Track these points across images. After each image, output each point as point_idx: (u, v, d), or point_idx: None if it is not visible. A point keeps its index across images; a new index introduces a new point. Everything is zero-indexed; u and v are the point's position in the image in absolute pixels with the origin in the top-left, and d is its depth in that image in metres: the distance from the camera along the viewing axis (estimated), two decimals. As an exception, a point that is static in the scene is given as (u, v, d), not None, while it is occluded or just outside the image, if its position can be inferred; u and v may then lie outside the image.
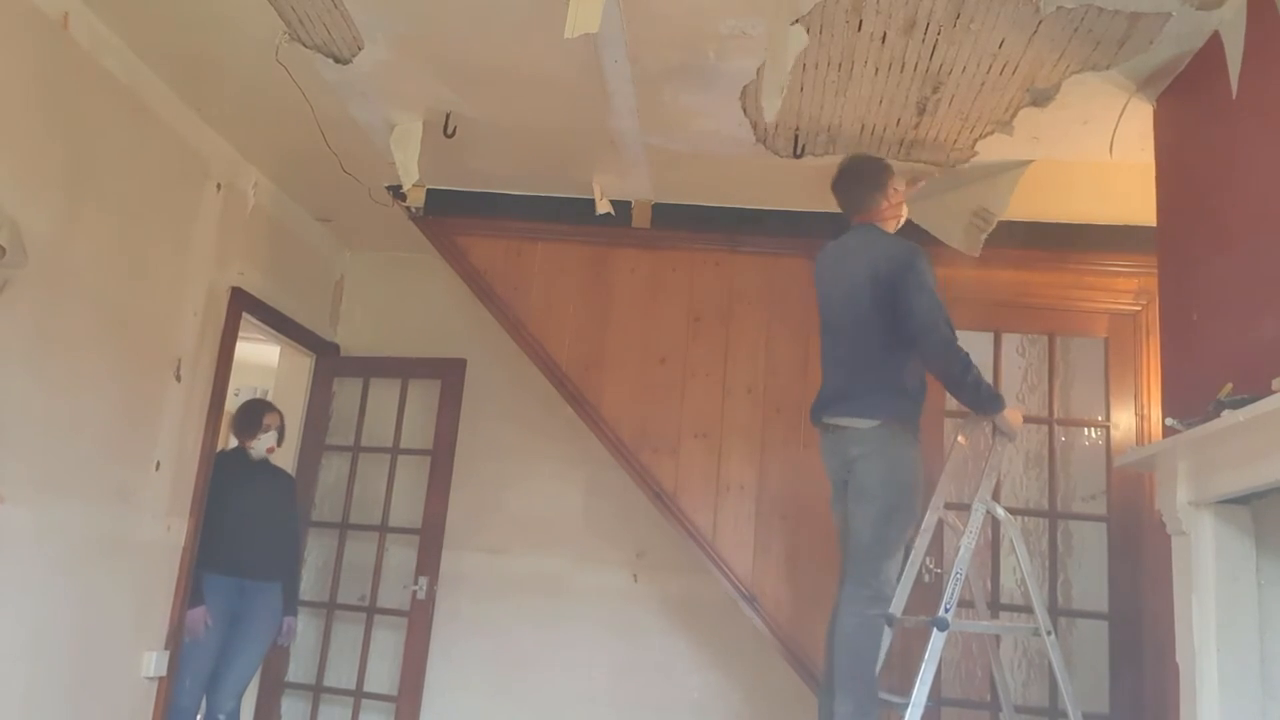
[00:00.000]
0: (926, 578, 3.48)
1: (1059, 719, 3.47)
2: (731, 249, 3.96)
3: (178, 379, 3.59)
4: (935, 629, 2.77)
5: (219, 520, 3.83)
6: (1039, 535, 3.76)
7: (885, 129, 3.22)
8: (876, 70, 2.88)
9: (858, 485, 2.82)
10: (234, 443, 4.10)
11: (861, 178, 3.04)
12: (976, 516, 2.90)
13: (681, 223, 3.95)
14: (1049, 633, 2.91)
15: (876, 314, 2.84)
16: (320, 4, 2.79)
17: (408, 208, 4.00)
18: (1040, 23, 2.59)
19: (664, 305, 3.96)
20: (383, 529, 4.60)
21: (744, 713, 4.12)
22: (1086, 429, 3.85)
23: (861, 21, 2.64)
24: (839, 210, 3.18)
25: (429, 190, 4.00)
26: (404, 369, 4.72)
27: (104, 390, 3.19)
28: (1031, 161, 3.35)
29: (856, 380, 2.89)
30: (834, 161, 3.22)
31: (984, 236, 3.48)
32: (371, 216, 4.29)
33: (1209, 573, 2.37)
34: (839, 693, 2.74)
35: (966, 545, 2.88)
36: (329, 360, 4.80)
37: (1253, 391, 2.11)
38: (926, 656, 2.75)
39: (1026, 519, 3.77)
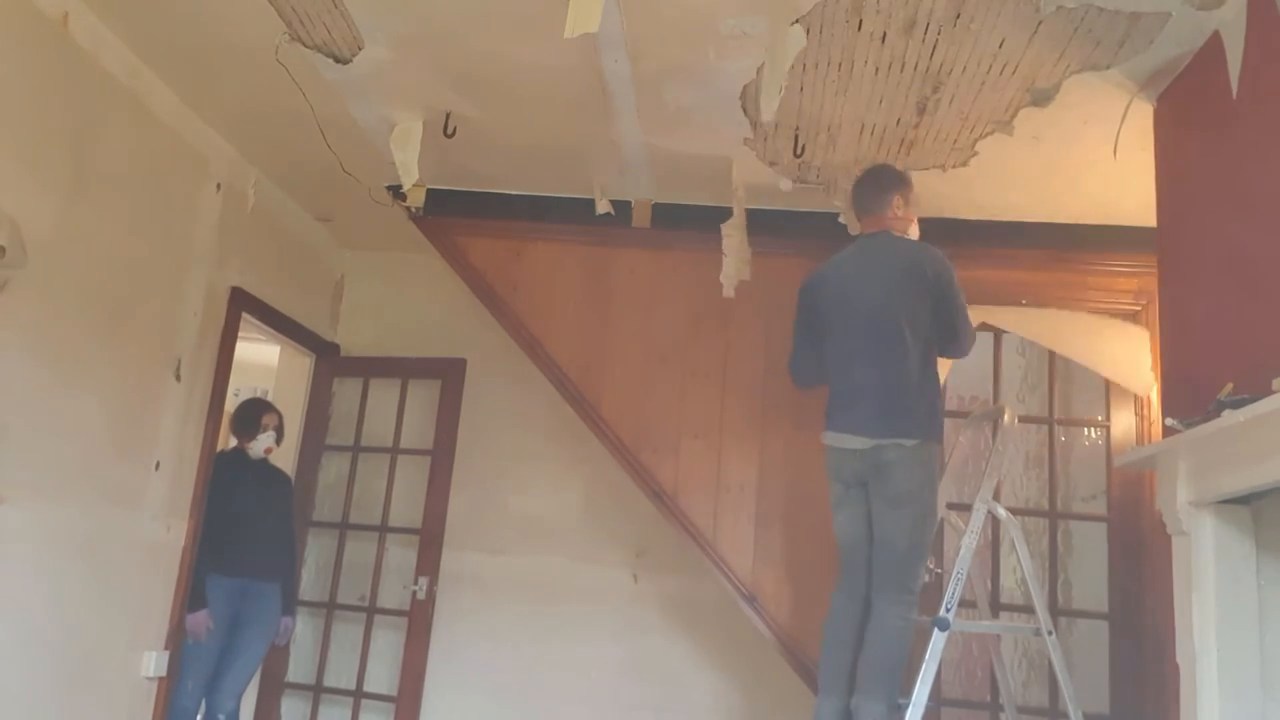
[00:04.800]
0: (927, 578, 3.48)
1: (1059, 719, 3.47)
2: (731, 249, 3.95)
3: (178, 379, 3.59)
4: (936, 629, 2.78)
5: (220, 521, 3.83)
6: (1039, 535, 3.76)
7: (885, 129, 3.22)
8: (876, 70, 2.88)
9: (893, 491, 2.77)
10: (233, 443, 4.11)
11: (879, 179, 3.04)
12: (978, 516, 2.91)
13: (681, 223, 3.95)
14: (1050, 632, 2.91)
15: (916, 323, 2.82)
16: (320, 4, 2.79)
17: (408, 208, 3.99)
18: (1040, 23, 2.59)
19: (664, 305, 3.96)
20: (383, 529, 4.60)
21: (744, 713, 4.12)
22: (1086, 429, 3.85)
23: (861, 21, 2.64)
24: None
25: (429, 190, 3.99)
26: (404, 369, 4.72)
27: (104, 390, 3.19)
28: None
29: (896, 401, 2.80)
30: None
31: None
32: (371, 216, 4.29)
33: (1209, 573, 2.37)
34: (872, 693, 2.73)
35: (968, 545, 2.88)
36: (329, 360, 4.80)
37: (1253, 391, 2.11)
38: (927, 656, 2.76)
39: (1026, 519, 3.77)
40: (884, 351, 2.82)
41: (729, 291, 3.70)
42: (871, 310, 2.87)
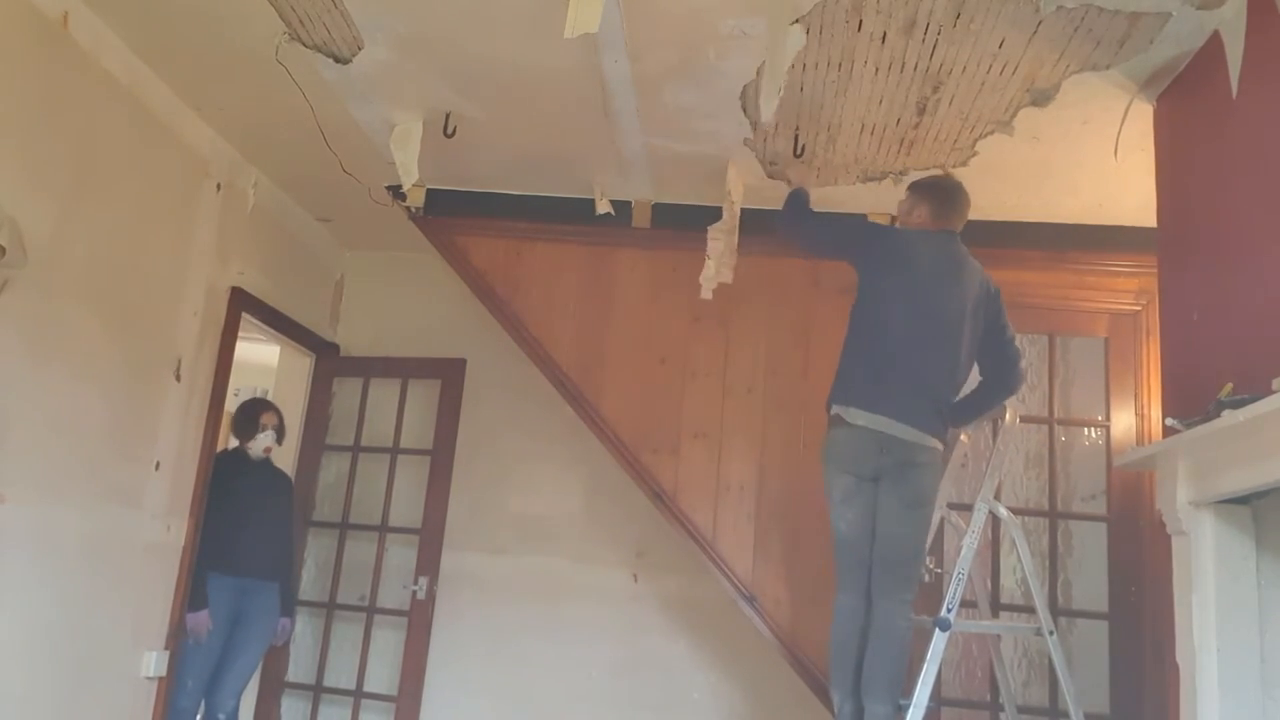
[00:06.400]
0: (927, 578, 3.48)
1: (1059, 719, 3.47)
2: (731, 249, 3.95)
3: (178, 379, 3.59)
4: (938, 629, 2.78)
5: (221, 520, 3.83)
6: (1039, 535, 3.76)
7: (885, 129, 3.22)
8: (876, 70, 2.88)
9: (913, 493, 2.80)
10: (234, 443, 4.11)
11: (967, 200, 3.06)
12: (979, 516, 2.91)
13: (681, 223, 3.95)
14: (1050, 632, 2.91)
15: (972, 339, 2.93)
16: (320, 4, 2.79)
17: (408, 208, 4.00)
18: (1040, 23, 2.59)
19: (664, 305, 3.95)
20: (383, 529, 4.60)
21: (744, 713, 4.12)
22: (1086, 429, 3.85)
23: (861, 21, 2.64)
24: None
25: (429, 190, 4.00)
26: (404, 369, 4.72)
27: (104, 390, 3.19)
28: None
29: (943, 404, 2.87)
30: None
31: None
32: (371, 216, 4.29)
33: (1209, 573, 2.37)
34: (879, 694, 2.74)
35: (969, 545, 2.88)
36: (329, 360, 4.80)
37: (1253, 391, 2.11)
38: (928, 657, 2.76)
39: (1026, 519, 3.76)
40: (948, 355, 2.88)
41: (706, 294, 3.69)
42: (951, 311, 2.89)
